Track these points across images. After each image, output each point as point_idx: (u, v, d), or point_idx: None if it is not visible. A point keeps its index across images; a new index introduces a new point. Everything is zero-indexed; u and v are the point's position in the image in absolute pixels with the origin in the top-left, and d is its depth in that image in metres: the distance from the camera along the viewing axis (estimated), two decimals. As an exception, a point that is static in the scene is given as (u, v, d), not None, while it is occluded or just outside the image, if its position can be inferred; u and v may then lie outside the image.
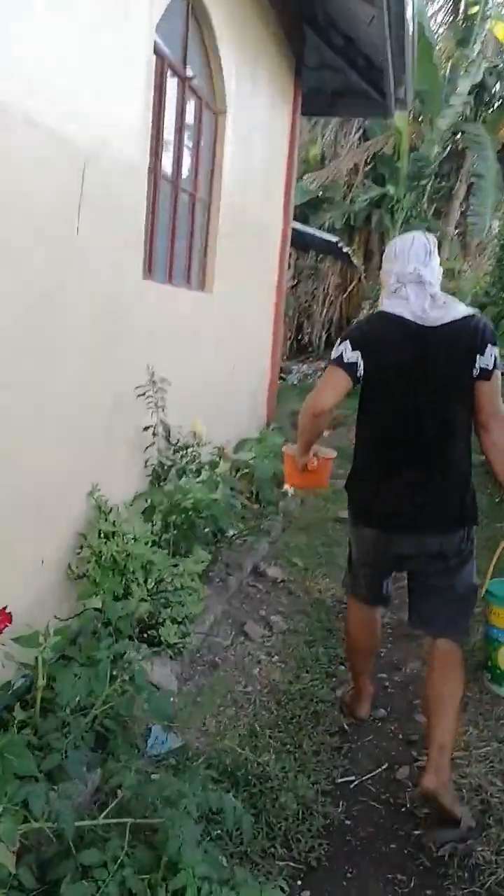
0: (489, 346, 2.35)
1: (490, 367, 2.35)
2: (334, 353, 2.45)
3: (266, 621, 3.69)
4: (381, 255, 2.66)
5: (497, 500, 5.50)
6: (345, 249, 10.42)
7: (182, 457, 4.10)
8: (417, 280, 2.39)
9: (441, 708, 2.37)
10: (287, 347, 16.92)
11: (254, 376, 6.64)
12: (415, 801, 2.45)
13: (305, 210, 15.07)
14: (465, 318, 2.37)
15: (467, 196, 15.43)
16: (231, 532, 4.44)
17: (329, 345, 16.17)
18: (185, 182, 4.32)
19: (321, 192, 15.06)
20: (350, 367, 2.41)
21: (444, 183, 16.17)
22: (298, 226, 9.30)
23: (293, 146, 7.10)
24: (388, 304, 2.45)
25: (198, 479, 4.18)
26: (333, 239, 9.58)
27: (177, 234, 4.23)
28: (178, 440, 4.10)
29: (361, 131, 15.60)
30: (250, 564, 4.32)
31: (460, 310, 2.39)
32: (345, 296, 16.85)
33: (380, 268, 2.65)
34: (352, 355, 2.40)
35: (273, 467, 5.84)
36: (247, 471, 5.52)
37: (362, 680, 2.87)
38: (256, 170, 5.78)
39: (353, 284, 16.92)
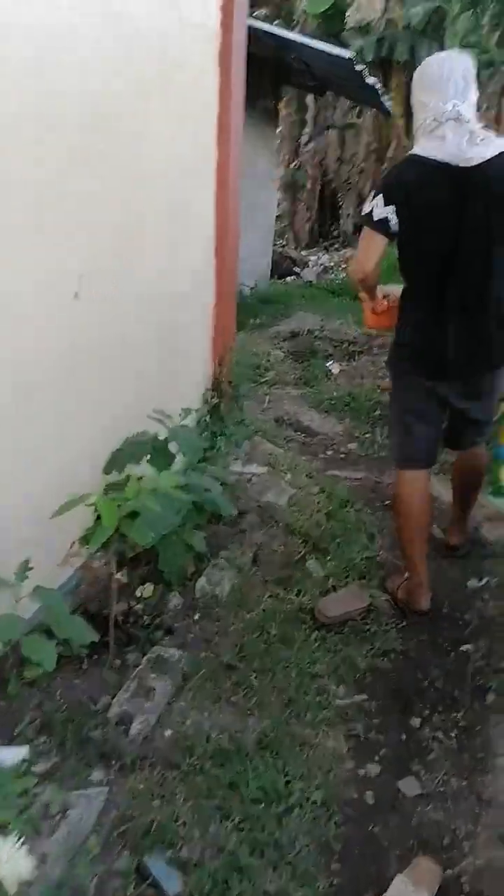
0: None
1: None
2: (366, 209, 2.40)
3: None
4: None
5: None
6: (369, 80, 6.82)
7: None
8: (457, 117, 2.26)
9: (472, 492, 2.92)
10: (305, 232, 13.45)
11: (172, 307, 3.38)
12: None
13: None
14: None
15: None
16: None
17: (358, 228, 12.39)
18: None
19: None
20: (383, 225, 2.36)
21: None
22: (272, 29, 5.64)
23: None
24: (422, 146, 2.33)
25: None
26: (345, 54, 5.98)
27: None
28: None
29: None
30: None
31: (499, 143, 2.27)
32: (383, 165, 13.09)
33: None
34: (383, 211, 2.35)
35: (178, 512, 2.77)
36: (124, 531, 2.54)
37: (421, 566, 2.71)
38: None
39: (391, 147, 13.12)
